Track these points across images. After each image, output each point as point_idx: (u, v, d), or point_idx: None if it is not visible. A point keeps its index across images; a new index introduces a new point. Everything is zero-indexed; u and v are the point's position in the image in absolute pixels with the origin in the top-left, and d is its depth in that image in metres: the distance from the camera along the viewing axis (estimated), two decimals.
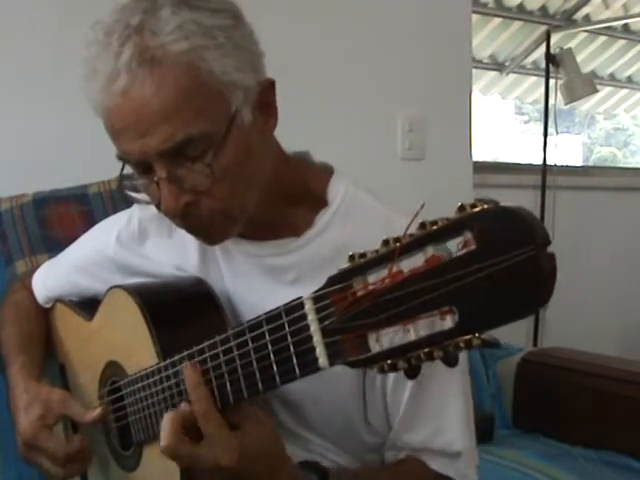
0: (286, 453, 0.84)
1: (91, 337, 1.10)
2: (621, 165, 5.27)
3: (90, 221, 1.23)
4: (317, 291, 0.65)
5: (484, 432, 1.79)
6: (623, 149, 5.61)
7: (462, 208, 0.56)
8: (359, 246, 0.63)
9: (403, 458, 0.96)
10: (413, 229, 0.59)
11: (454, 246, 0.56)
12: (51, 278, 1.21)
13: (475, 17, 2.72)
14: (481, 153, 3.16)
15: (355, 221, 0.95)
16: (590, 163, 5.06)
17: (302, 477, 0.86)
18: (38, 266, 1.27)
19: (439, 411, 0.94)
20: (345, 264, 0.63)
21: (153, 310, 0.94)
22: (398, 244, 0.58)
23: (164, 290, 1.02)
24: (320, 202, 0.97)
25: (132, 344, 0.97)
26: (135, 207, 1.13)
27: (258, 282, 0.97)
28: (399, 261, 0.58)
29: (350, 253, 0.63)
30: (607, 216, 2.97)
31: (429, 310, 0.57)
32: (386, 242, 0.60)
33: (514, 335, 2.22)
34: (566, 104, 2.95)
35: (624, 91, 3.77)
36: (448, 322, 0.57)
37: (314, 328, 0.66)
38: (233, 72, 0.84)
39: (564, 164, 3.10)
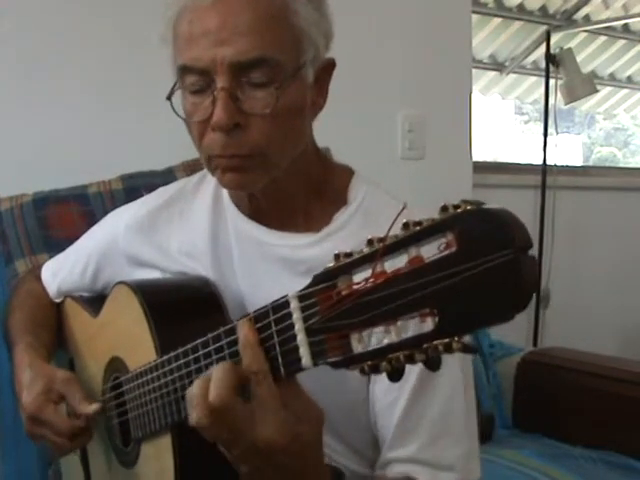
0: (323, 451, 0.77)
1: (97, 333, 1.11)
2: (621, 165, 5.27)
3: (90, 221, 1.23)
4: (302, 289, 0.65)
5: (484, 432, 1.79)
6: (623, 149, 5.61)
7: (445, 208, 0.55)
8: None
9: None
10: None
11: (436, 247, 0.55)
12: (61, 271, 1.22)
13: (475, 17, 2.72)
14: (481, 153, 3.15)
15: (376, 218, 0.95)
16: (590, 163, 5.06)
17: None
18: (41, 265, 1.28)
19: (437, 420, 0.91)
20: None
21: (155, 307, 0.94)
22: (381, 244, 0.58)
23: (168, 288, 1.02)
24: (340, 200, 0.99)
25: (134, 340, 0.97)
26: (143, 199, 1.14)
27: (268, 269, 0.98)
28: (383, 261, 0.58)
29: (336, 252, 0.62)
30: (607, 216, 2.97)
31: (410, 312, 0.56)
32: (370, 242, 0.59)
33: (514, 335, 2.22)
34: (566, 104, 2.95)
35: (624, 91, 3.77)
36: (428, 324, 0.55)
37: (299, 327, 0.65)
38: (313, 27, 0.89)
39: (564, 164, 3.10)
